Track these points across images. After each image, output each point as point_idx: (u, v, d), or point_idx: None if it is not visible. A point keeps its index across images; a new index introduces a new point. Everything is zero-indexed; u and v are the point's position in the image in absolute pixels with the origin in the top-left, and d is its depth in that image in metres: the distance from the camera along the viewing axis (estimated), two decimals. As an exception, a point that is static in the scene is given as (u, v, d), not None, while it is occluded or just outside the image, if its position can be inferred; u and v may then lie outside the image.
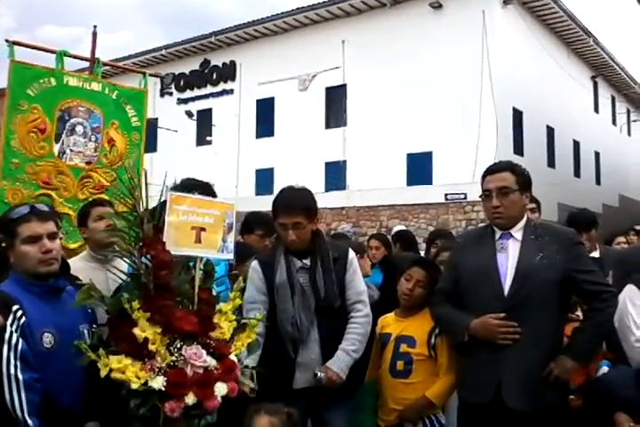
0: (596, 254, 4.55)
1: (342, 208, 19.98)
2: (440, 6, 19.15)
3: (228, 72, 23.96)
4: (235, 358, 2.33)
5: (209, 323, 2.31)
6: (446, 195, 17.79)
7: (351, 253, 3.26)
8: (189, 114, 24.11)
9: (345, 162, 20.42)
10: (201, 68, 24.78)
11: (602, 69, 25.66)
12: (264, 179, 21.54)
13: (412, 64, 18.93)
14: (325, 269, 3.09)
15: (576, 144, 23.77)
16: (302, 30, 21.95)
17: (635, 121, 30.42)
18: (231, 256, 2.53)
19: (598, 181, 25.69)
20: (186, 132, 24.30)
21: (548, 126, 21.54)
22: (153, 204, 2.38)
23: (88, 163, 4.16)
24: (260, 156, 22.09)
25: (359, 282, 3.23)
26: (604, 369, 3.22)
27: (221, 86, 24.18)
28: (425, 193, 18.42)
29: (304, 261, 3.12)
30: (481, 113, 17.72)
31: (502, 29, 18.53)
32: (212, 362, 2.22)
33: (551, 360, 2.78)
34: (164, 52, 25.06)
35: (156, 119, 24.63)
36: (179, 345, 2.18)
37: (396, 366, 3.16)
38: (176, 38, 25.71)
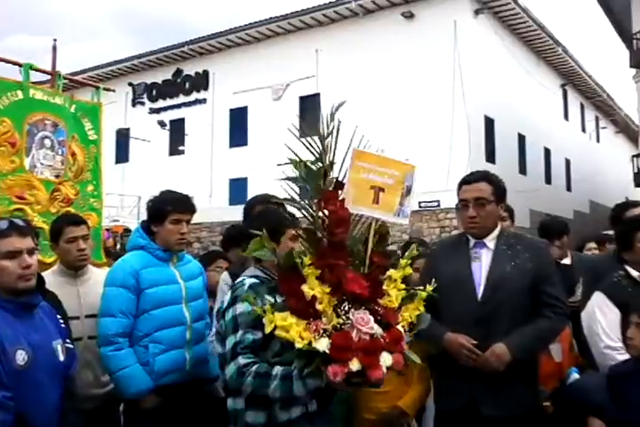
0: (567, 261, 4.64)
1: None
2: (412, 16, 19.33)
3: (201, 82, 23.89)
4: (402, 329, 2.15)
5: (379, 288, 2.16)
6: (420, 203, 17.89)
7: None
8: (162, 124, 23.94)
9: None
10: (173, 77, 24.66)
11: (571, 78, 26.12)
12: (238, 188, 21.43)
13: (384, 73, 19.06)
14: None
15: (547, 151, 24.11)
16: (275, 40, 22.00)
17: (603, 128, 31.01)
18: (406, 221, 2.32)
19: (569, 188, 26.07)
20: (158, 142, 24.11)
21: (519, 134, 21.81)
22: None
23: (57, 176, 4.14)
24: (234, 165, 21.99)
25: None
26: (575, 376, 3.26)
27: (194, 96, 24.08)
28: (399, 201, 18.42)
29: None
30: (453, 121, 17.88)
31: (474, 39, 18.76)
32: (378, 330, 2.07)
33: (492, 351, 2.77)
34: (136, 61, 24.90)
35: (128, 129, 24.50)
36: (346, 308, 2.05)
37: None
38: (149, 48, 25.49)
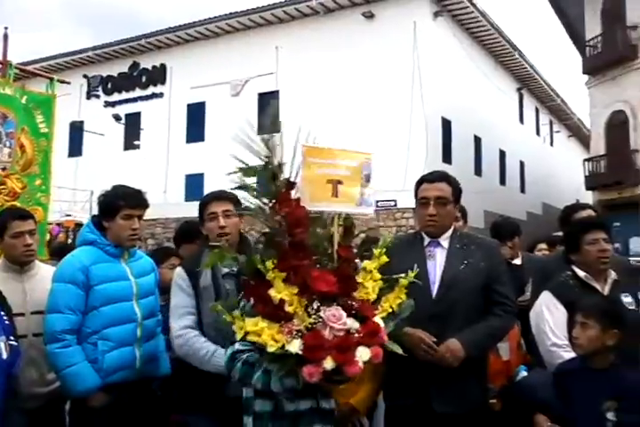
0: (518, 261, 4.73)
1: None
2: (372, 16, 19.42)
3: (158, 75, 23.54)
4: (380, 321, 2.11)
5: (351, 282, 2.12)
6: (377, 202, 18.00)
7: None
8: (117, 117, 23.48)
9: (278, 169, 20.33)
10: (130, 70, 24.23)
11: (527, 82, 26.65)
12: (194, 184, 21.19)
13: (344, 72, 19.11)
14: None
15: (502, 153, 24.55)
16: (235, 35, 21.83)
17: (557, 132, 31.76)
18: (371, 211, 2.27)
19: (523, 190, 26.61)
20: (113, 136, 23.65)
21: (475, 136, 22.15)
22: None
23: (3, 169, 4.02)
24: (190, 161, 21.76)
25: None
26: (523, 374, 3.32)
27: (151, 90, 23.71)
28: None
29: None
30: (411, 122, 18.05)
31: (433, 40, 18.96)
32: (353, 324, 2.03)
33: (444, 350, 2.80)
34: (90, 53, 24.40)
35: (82, 122, 23.99)
36: (315, 306, 2.02)
37: None
38: (104, 40, 25.03)
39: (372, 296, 2.15)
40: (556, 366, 2.96)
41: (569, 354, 2.96)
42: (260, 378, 2.20)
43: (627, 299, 3.15)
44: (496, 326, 2.94)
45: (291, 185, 2.14)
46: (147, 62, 23.82)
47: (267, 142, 2.12)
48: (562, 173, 29.68)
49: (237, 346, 2.29)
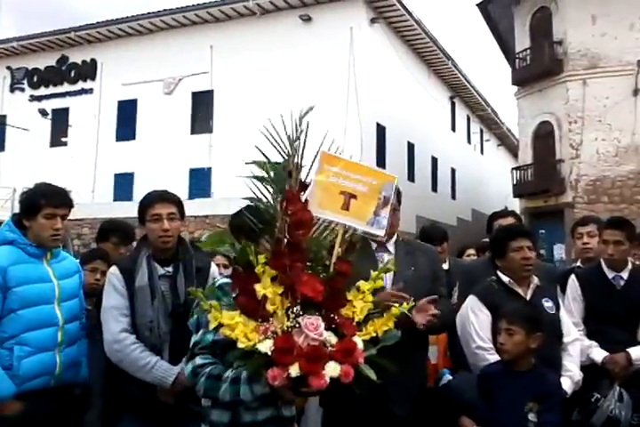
0: (445, 266, 4.73)
1: (206, 216, 19.62)
2: (310, 19, 19.45)
3: (88, 70, 22.82)
4: (360, 343, 2.03)
5: (339, 297, 2.07)
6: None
7: (213, 266, 3.31)
8: (43, 112, 22.62)
9: (210, 169, 20.10)
10: (58, 64, 23.40)
11: (459, 91, 27.31)
12: (123, 184, 20.68)
13: (280, 74, 19.06)
14: (187, 276, 3.05)
15: (434, 160, 25.04)
16: (169, 32, 21.40)
17: (487, 140, 32.68)
18: (382, 233, 2.19)
19: (454, 196, 27.21)
20: (39, 131, 22.77)
21: (409, 142, 22.51)
22: None
23: None
24: (120, 159, 21.16)
25: None
26: (447, 377, 3.36)
27: (80, 85, 22.96)
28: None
29: (166, 268, 3.07)
30: (346, 126, 18.16)
31: (369, 46, 19.15)
32: (330, 338, 1.97)
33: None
34: (15, 44, 23.43)
35: (5, 116, 23.05)
36: (296, 310, 1.97)
37: None
38: (30, 31, 24.11)
39: (359, 317, 2.09)
40: (480, 369, 3.02)
41: (493, 356, 3.04)
42: (228, 389, 2.15)
43: (547, 303, 3.27)
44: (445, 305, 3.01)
45: (303, 187, 2.11)
46: (76, 56, 23.06)
47: (292, 142, 2.10)
48: (491, 180, 30.54)
49: (198, 360, 2.25)
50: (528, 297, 3.24)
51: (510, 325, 2.86)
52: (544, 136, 19.64)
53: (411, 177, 22.41)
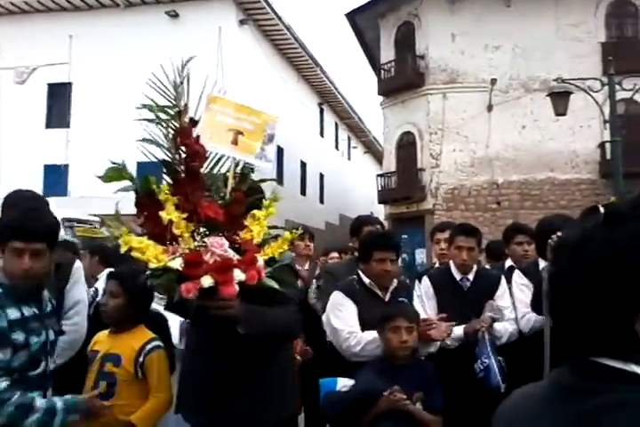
0: (306, 267, 5.26)
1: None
2: (177, 15, 18.93)
3: None
4: (260, 260, 2.19)
5: (238, 221, 2.25)
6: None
7: (77, 263, 3.36)
8: None
9: (67, 166, 18.90)
10: None
11: (328, 98, 27.76)
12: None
13: (144, 69, 18.07)
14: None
15: (303, 165, 25.23)
16: (22, 17, 19.83)
17: (354, 147, 33.47)
18: (270, 165, 2.46)
19: (322, 201, 27.58)
20: None
21: (278, 146, 22.42)
22: None
23: None
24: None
25: (78, 292, 3.26)
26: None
27: None
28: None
29: None
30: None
31: (237, 48, 18.91)
32: (234, 255, 2.12)
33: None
34: None
35: None
36: (201, 231, 2.13)
37: (98, 387, 2.80)
38: None
39: (257, 240, 2.25)
40: (362, 368, 3.06)
41: (366, 337, 3.17)
42: (38, 420, 2.08)
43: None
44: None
45: (193, 123, 2.29)
46: None
47: (176, 86, 2.31)
48: (358, 186, 31.31)
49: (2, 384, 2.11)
50: (387, 299, 3.39)
51: (411, 322, 3.08)
52: (407, 145, 20.35)
53: (280, 180, 22.35)
